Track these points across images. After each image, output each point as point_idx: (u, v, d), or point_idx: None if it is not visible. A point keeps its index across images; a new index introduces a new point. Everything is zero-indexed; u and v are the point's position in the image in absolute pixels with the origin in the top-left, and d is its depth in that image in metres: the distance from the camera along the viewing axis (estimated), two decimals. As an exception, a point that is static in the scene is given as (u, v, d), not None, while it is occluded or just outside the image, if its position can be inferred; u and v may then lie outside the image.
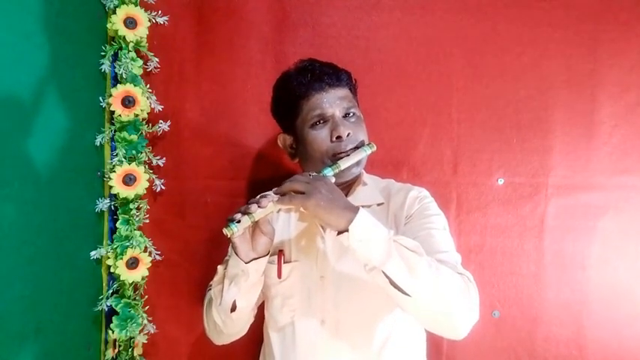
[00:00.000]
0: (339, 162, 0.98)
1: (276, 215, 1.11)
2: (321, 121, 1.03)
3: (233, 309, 1.00)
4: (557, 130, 1.39)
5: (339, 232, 0.85)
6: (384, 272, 0.83)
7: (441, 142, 1.41)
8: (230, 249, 1.01)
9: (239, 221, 0.88)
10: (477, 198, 1.40)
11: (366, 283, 0.88)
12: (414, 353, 1.07)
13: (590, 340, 1.37)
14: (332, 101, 1.02)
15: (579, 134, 1.38)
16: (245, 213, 0.89)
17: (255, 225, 0.93)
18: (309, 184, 0.87)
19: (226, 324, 1.04)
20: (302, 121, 1.04)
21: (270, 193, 0.93)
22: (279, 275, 1.05)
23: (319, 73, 1.03)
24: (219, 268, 1.04)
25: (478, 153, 1.40)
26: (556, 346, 1.38)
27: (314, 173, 0.94)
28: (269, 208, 0.90)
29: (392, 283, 0.83)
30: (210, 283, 1.07)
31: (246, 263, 0.96)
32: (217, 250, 1.23)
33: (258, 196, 0.96)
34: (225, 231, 0.88)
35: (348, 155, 1.00)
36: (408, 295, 0.83)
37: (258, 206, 0.89)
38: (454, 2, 1.40)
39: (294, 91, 1.04)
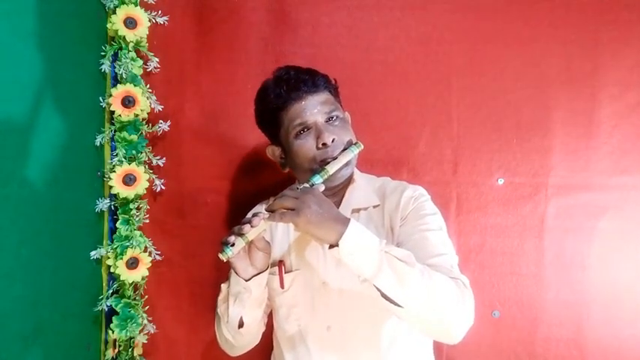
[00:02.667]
0: (326, 167, 0.96)
1: (275, 225, 1.11)
2: (304, 130, 1.01)
3: (240, 325, 1.02)
4: (557, 130, 1.39)
5: (331, 246, 0.85)
6: (375, 285, 0.83)
7: (441, 142, 1.41)
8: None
9: (233, 244, 0.89)
10: (477, 198, 1.40)
11: (367, 286, 0.88)
12: (421, 351, 1.08)
13: (590, 340, 1.37)
14: (312, 108, 1.01)
15: (579, 134, 1.38)
16: (238, 234, 0.90)
17: (251, 243, 0.93)
18: (297, 200, 0.86)
19: (236, 339, 1.06)
20: (285, 132, 1.03)
21: (262, 210, 0.93)
22: (282, 285, 1.05)
23: (295, 82, 1.01)
24: (223, 286, 1.05)
25: (478, 153, 1.40)
26: (556, 346, 1.38)
27: (302, 186, 0.93)
28: (261, 226, 0.90)
29: (383, 295, 0.83)
30: (218, 300, 1.08)
31: (246, 281, 0.97)
32: (217, 250, 1.23)
33: (250, 214, 0.96)
34: (220, 256, 0.89)
35: (336, 159, 0.98)
36: (400, 306, 0.83)
37: (251, 226, 0.89)
38: (454, 2, 1.40)
39: (272, 104, 1.03)
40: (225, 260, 0.90)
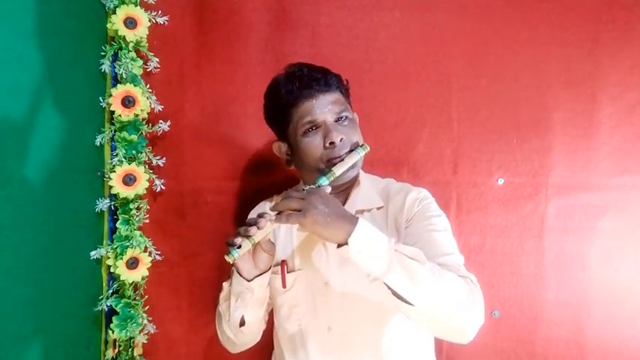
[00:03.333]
0: (333, 169, 0.96)
1: (278, 225, 1.11)
2: (313, 128, 1.01)
3: (242, 324, 1.02)
4: (557, 130, 1.39)
5: (339, 245, 0.84)
6: (385, 283, 0.82)
7: (441, 142, 1.41)
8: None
9: (239, 246, 0.89)
10: (477, 198, 1.40)
11: (370, 287, 0.87)
12: (422, 352, 1.08)
13: (590, 340, 1.37)
14: (322, 107, 1.01)
15: (579, 134, 1.38)
16: (244, 236, 0.89)
17: (257, 244, 0.93)
18: (303, 201, 0.86)
19: (238, 337, 1.06)
20: (294, 129, 1.03)
21: (268, 211, 0.93)
22: (284, 285, 1.05)
23: (307, 80, 1.01)
24: (225, 284, 1.05)
25: (478, 153, 1.40)
26: (556, 346, 1.38)
27: (308, 187, 0.93)
28: (267, 228, 0.90)
29: (394, 293, 0.82)
30: (220, 297, 1.08)
31: (249, 281, 0.97)
32: (217, 250, 1.24)
33: (254, 213, 0.96)
34: (226, 257, 0.89)
35: (343, 160, 0.98)
36: (411, 304, 0.82)
37: (257, 228, 0.89)
38: (454, 2, 1.40)
39: (283, 100, 1.03)
40: (231, 262, 0.90)
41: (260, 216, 0.91)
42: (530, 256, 1.39)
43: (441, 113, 1.41)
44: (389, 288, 0.83)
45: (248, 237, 0.89)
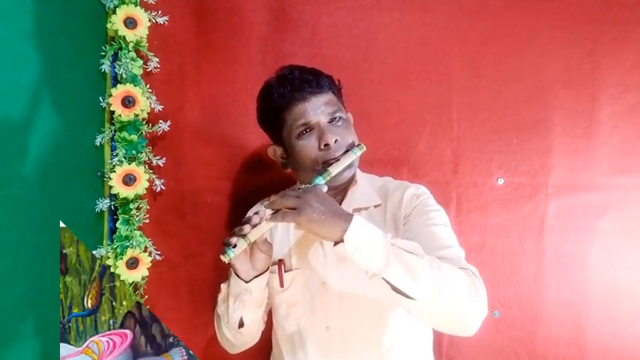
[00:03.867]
0: (329, 169, 0.96)
1: (275, 224, 1.11)
2: (307, 130, 1.01)
3: (241, 325, 1.02)
4: (557, 130, 1.39)
5: (336, 243, 0.84)
6: (384, 279, 0.82)
7: (441, 142, 1.41)
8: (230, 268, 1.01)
9: (235, 245, 0.88)
10: (477, 198, 1.40)
11: (368, 286, 0.87)
12: (421, 350, 1.08)
13: (590, 340, 1.37)
14: (315, 109, 1.00)
15: (579, 134, 1.38)
16: (239, 235, 0.89)
17: (253, 244, 0.93)
18: (299, 199, 0.86)
19: (237, 338, 1.07)
20: (288, 132, 1.03)
21: (262, 208, 0.92)
22: (282, 284, 1.05)
23: (299, 82, 1.01)
24: (223, 286, 1.06)
25: (478, 153, 1.40)
26: (556, 346, 1.38)
27: (304, 186, 0.93)
28: (264, 227, 0.90)
29: (394, 288, 0.82)
30: (218, 299, 1.08)
31: (247, 282, 0.97)
32: (217, 250, 1.23)
33: (251, 212, 0.95)
34: (222, 258, 0.89)
35: (338, 160, 0.98)
36: (412, 298, 0.82)
37: (253, 226, 0.89)
38: (454, 3, 1.40)
39: (276, 104, 1.03)
40: (226, 262, 0.90)
41: (255, 214, 0.91)
42: (530, 256, 1.38)
43: (441, 113, 1.41)
44: (388, 283, 0.82)
45: (243, 236, 0.89)
